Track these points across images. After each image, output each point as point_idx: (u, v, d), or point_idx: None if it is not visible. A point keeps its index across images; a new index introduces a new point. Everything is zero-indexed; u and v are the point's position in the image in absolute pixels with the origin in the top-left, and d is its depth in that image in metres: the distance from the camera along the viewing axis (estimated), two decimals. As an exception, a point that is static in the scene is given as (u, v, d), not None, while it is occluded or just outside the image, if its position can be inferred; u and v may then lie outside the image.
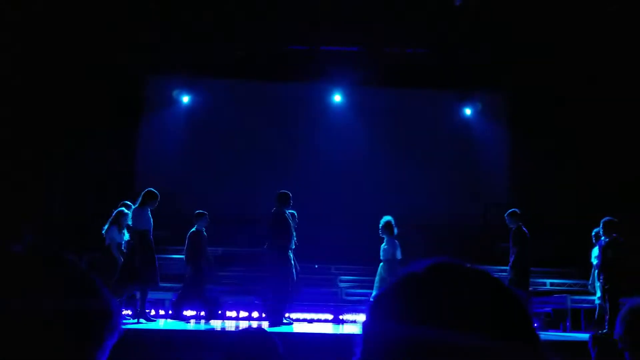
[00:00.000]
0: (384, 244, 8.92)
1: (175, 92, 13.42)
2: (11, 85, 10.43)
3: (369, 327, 0.76)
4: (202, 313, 9.61)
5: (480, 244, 12.15)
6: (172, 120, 13.55)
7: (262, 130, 13.55)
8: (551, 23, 11.81)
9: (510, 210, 9.10)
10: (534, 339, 0.74)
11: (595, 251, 8.96)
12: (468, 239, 12.24)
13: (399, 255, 8.89)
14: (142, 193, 8.21)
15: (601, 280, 8.45)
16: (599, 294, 8.72)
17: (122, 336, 0.95)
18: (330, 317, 10.27)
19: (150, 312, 8.93)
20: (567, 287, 11.28)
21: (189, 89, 13.40)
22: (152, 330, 7.32)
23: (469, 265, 0.77)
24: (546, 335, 7.96)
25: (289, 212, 8.29)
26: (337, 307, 10.59)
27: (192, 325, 8.60)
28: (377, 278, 8.96)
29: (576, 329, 9.74)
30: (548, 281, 11.61)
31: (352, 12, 11.92)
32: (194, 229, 8.88)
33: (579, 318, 9.94)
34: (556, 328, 10.06)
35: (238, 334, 2.50)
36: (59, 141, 12.04)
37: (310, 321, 9.94)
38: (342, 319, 10.24)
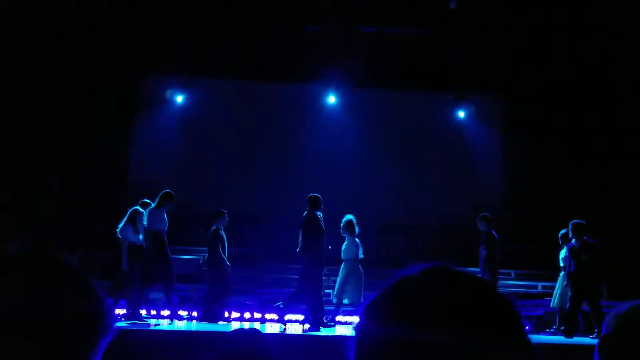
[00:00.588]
0: (345, 243, 8.96)
1: (169, 92, 13.39)
2: (5, 84, 10.39)
3: (363, 330, 0.76)
4: (195, 313, 9.58)
5: (473, 246, 12.16)
6: (166, 120, 13.52)
7: (255, 131, 13.54)
8: (545, 26, 11.88)
9: (481, 214, 9.27)
10: (526, 342, 0.75)
11: (562, 253, 9.04)
12: (461, 241, 12.26)
13: (360, 254, 8.94)
14: (160, 194, 8.31)
15: (569, 283, 8.53)
16: (558, 297, 8.84)
17: (116, 336, 0.95)
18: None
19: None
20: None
21: (182, 89, 13.37)
22: (146, 330, 7.30)
23: (462, 269, 0.78)
24: (538, 338, 7.98)
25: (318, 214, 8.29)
26: (329, 309, 10.57)
27: (183, 325, 8.58)
28: (338, 278, 9.01)
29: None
30: (540, 284, 11.65)
31: (346, 13, 11.95)
32: (213, 228, 8.88)
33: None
34: (548, 331, 10.09)
35: (231, 334, 2.50)
36: (53, 140, 12.00)
37: (303, 322, 9.92)
38: (336, 321, 10.22)
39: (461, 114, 14.12)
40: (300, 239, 8.19)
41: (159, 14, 11.70)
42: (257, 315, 10.12)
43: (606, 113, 12.36)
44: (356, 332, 0.77)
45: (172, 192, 8.32)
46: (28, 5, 10.45)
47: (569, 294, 8.65)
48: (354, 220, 8.97)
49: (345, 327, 9.44)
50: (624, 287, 8.66)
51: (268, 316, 10.02)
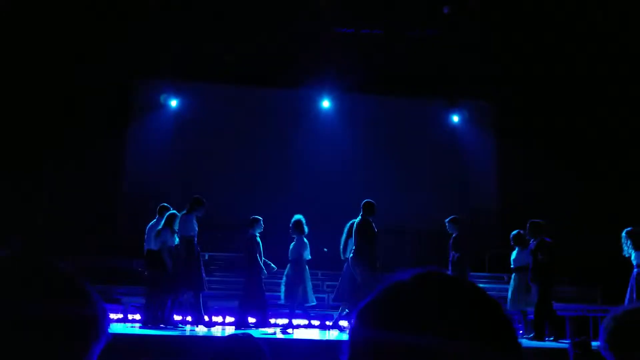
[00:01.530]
0: (293, 243, 9.04)
1: (163, 97, 13.37)
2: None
3: (356, 334, 0.77)
4: (189, 318, 9.54)
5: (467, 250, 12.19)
6: (160, 125, 13.49)
7: (250, 135, 13.54)
8: (537, 31, 11.96)
9: (450, 217, 9.29)
10: (517, 346, 0.75)
11: (513, 254, 9.05)
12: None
13: (307, 255, 8.98)
14: (191, 200, 8.47)
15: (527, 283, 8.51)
16: (511, 301, 8.82)
17: (110, 341, 0.95)
18: (316, 323, 10.24)
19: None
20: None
21: (177, 93, 13.36)
22: (140, 335, 7.27)
23: (454, 274, 0.79)
24: (527, 343, 8.01)
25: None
26: (324, 313, 10.58)
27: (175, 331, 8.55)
28: (283, 279, 9.09)
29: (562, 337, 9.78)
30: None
31: (339, 19, 12.00)
32: (249, 234, 8.91)
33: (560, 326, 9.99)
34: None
35: (225, 339, 2.50)
36: (46, 145, 11.96)
37: (297, 327, 9.90)
38: (329, 325, 10.21)
39: (455, 118, 14.17)
40: (353, 244, 8.33)
41: (151, 16, 11.70)
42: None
43: (599, 118, 12.43)
44: (349, 337, 0.78)
45: (202, 198, 8.45)
46: (18, 6, 10.44)
47: (527, 296, 8.59)
48: (303, 220, 9.06)
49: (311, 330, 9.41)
50: (618, 291, 8.65)
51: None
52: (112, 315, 9.10)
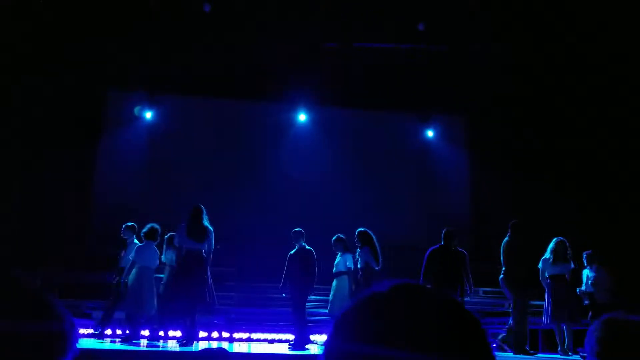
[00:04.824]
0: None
1: (137, 108, 13.25)
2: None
3: (331, 347, 0.76)
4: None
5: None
6: (134, 137, 13.35)
7: (225, 148, 13.48)
8: (511, 45, 12.20)
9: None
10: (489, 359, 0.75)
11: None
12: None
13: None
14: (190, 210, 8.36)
15: None
16: None
17: (77, 356, 0.93)
18: (292, 337, 10.18)
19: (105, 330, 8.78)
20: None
21: (151, 105, 13.24)
22: (112, 350, 7.13)
23: (429, 287, 0.79)
24: (505, 356, 8.05)
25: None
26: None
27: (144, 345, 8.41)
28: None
29: (534, 349, 9.87)
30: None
31: (315, 31, 12.08)
32: (306, 249, 8.65)
33: (537, 339, 10.09)
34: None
35: (199, 354, 2.46)
36: (15, 156, 11.74)
37: (272, 341, 9.83)
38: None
39: (430, 133, 14.33)
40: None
41: (126, 27, 11.63)
42: (225, 334, 9.99)
43: (570, 131, 12.68)
44: (325, 348, 0.77)
45: (200, 206, 8.34)
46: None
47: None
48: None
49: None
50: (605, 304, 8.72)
51: (236, 335, 9.91)
52: (83, 330, 8.91)
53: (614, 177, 12.01)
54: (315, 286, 8.74)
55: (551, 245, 8.37)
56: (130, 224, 8.98)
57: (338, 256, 8.82)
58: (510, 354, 8.08)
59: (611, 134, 12.19)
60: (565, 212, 12.02)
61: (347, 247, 8.83)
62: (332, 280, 8.87)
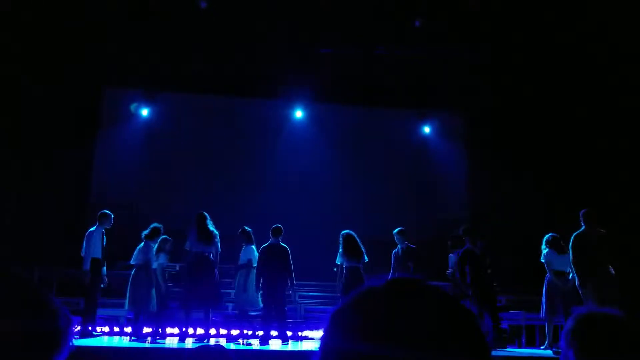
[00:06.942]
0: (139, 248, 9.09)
1: (134, 106, 13.22)
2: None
3: (327, 342, 0.76)
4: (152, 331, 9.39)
5: (437, 261, 12.27)
6: (130, 134, 13.33)
7: (222, 145, 13.47)
8: (507, 44, 12.19)
9: (398, 229, 9.39)
10: (486, 354, 0.75)
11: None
12: (425, 255, 12.35)
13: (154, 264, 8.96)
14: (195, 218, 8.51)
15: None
16: None
17: (73, 352, 0.93)
18: (289, 333, 10.19)
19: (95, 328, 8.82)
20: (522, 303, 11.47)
21: (148, 103, 13.22)
22: (110, 347, 7.13)
23: (426, 282, 0.79)
24: (502, 351, 8.07)
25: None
26: (296, 324, 10.52)
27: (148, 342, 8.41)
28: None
29: (531, 344, 9.91)
30: (504, 298, 11.78)
31: (312, 31, 12.06)
32: (282, 245, 8.86)
33: (534, 334, 10.12)
34: (511, 344, 10.20)
35: (195, 351, 2.46)
36: (12, 154, 11.70)
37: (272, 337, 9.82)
38: (301, 336, 10.17)
39: (427, 129, 14.34)
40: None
41: (124, 25, 11.59)
42: (222, 331, 9.98)
43: (568, 129, 12.68)
44: (321, 344, 0.77)
45: (205, 213, 8.51)
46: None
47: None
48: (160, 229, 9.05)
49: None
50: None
51: (234, 332, 9.90)
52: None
53: (614, 177, 12.02)
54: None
55: (548, 238, 8.41)
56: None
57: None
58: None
59: (611, 134, 12.19)
60: (562, 209, 12.03)
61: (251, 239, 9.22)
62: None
